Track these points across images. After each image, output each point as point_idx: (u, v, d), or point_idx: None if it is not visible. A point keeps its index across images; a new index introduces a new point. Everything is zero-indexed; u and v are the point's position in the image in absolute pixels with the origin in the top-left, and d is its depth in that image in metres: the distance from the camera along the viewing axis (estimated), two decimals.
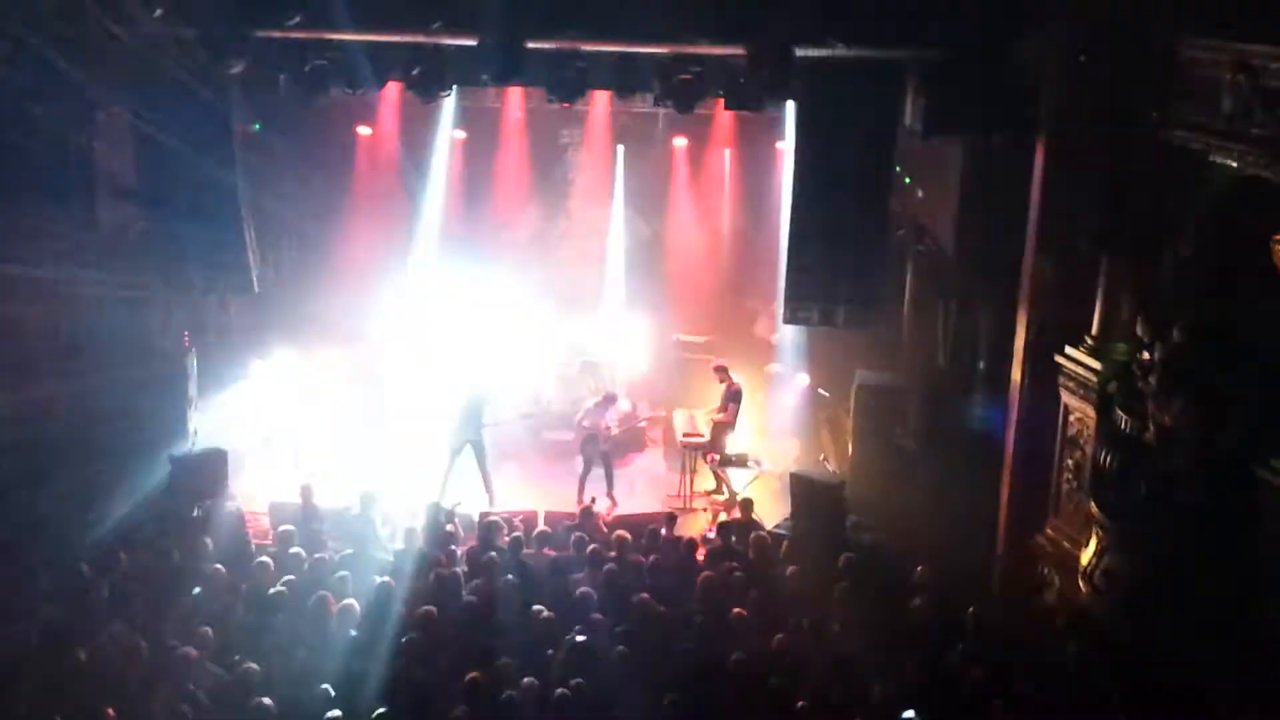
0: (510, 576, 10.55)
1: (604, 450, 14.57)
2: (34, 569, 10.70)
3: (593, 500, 13.58)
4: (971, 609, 10.00)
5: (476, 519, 12.54)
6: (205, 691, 8.81)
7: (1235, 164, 8.78)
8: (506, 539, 11.46)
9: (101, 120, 13.63)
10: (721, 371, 15.12)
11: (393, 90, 13.00)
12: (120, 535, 11.52)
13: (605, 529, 12.16)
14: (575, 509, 13.21)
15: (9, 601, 10.07)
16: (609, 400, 14.95)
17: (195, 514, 12.00)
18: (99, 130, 13.74)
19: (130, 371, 14.19)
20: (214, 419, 14.80)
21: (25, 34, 11.14)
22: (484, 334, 16.46)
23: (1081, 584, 9.64)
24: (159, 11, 10.86)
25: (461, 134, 17.38)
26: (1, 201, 12.41)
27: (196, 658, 9.12)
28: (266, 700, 8.53)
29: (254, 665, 8.98)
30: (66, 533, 11.36)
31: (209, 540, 11.26)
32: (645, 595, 10.20)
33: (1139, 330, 9.53)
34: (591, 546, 11.27)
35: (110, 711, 8.49)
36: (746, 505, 12.81)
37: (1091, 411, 10.41)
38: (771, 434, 16.12)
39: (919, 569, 10.86)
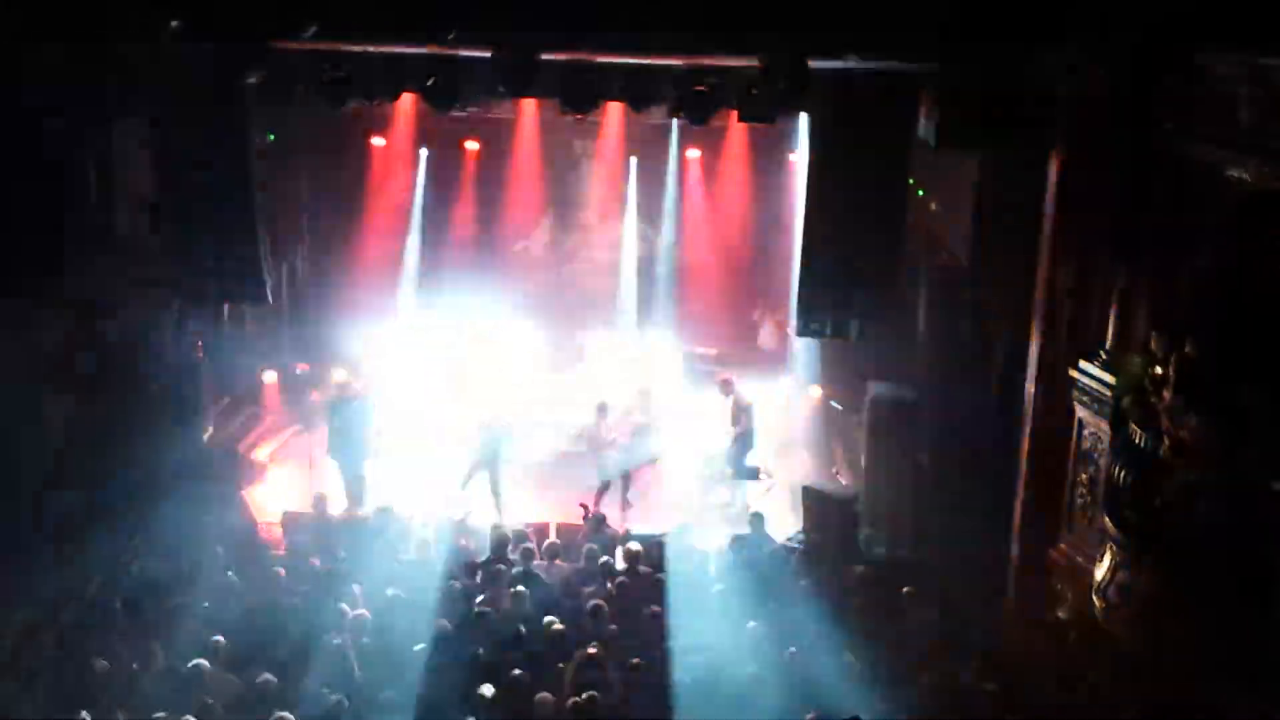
0: (521, 588, 10.54)
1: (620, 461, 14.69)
2: (48, 578, 10.72)
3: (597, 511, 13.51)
4: (983, 626, 9.96)
5: (488, 531, 12.54)
6: (221, 703, 8.82)
7: (1252, 177, 8.75)
8: (518, 551, 11.46)
9: (119, 131, 13.70)
10: (727, 384, 15.00)
11: (408, 101, 13.05)
12: (133, 544, 11.54)
13: (616, 540, 12.13)
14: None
15: (25, 611, 10.10)
16: (602, 414, 14.93)
17: (207, 523, 12.02)
18: (116, 141, 13.82)
19: (144, 381, 14.26)
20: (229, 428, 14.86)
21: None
22: (502, 364, 16.39)
23: (1095, 599, 9.57)
24: (176, 23, 10.92)
25: (475, 145, 17.45)
26: (18, 212, 12.47)
27: (211, 668, 9.13)
28: (282, 712, 8.53)
29: (270, 676, 8.98)
30: (79, 542, 11.37)
31: (220, 549, 11.28)
32: (657, 608, 10.19)
33: (1154, 344, 9.48)
34: (604, 559, 11.26)
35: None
36: (758, 519, 12.76)
37: (1106, 426, 10.36)
38: (783, 447, 16.07)
39: (920, 585, 10.80)
